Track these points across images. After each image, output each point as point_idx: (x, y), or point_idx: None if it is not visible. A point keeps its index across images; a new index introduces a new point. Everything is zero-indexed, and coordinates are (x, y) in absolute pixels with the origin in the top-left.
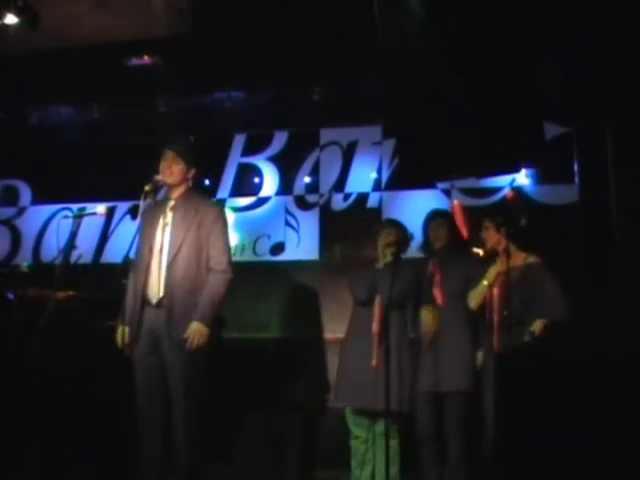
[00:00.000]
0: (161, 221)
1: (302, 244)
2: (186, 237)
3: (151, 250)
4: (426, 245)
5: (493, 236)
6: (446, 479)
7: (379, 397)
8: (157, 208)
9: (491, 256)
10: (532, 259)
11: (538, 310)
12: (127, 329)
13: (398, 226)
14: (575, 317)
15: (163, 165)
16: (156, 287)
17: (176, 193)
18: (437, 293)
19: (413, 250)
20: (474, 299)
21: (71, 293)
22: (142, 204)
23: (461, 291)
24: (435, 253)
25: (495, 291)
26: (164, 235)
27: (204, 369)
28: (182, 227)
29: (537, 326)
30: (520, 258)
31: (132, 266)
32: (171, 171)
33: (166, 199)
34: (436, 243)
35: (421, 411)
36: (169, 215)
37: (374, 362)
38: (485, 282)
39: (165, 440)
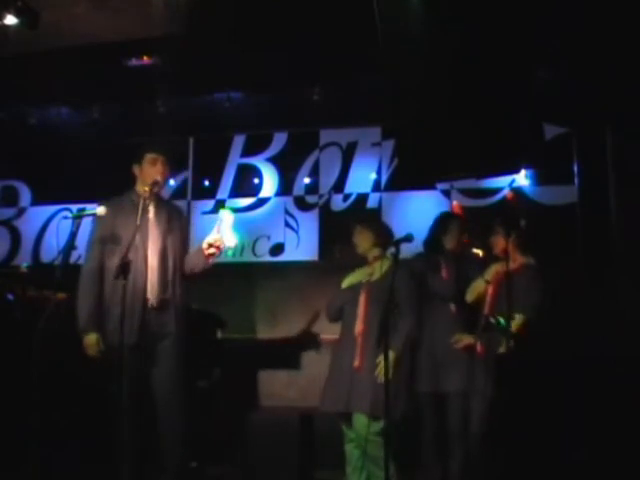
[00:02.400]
0: (136, 223)
1: (302, 245)
2: (167, 237)
3: (137, 251)
4: (433, 243)
5: (501, 241)
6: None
7: (355, 399)
8: (125, 210)
9: (490, 257)
10: (528, 261)
11: (519, 306)
12: (99, 336)
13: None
14: (575, 317)
15: (154, 170)
16: (150, 288)
17: (147, 195)
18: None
19: (413, 248)
20: (470, 293)
21: (71, 294)
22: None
23: (461, 292)
24: (445, 252)
25: (490, 291)
26: (142, 236)
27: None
28: (160, 228)
29: (516, 323)
30: (519, 261)
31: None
32: (164, 177)
33: (132, 200)
34: (449, 244)
35: (422, 412)
36: (146, 217)
37: (356, 363)
38: (483, 279)
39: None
